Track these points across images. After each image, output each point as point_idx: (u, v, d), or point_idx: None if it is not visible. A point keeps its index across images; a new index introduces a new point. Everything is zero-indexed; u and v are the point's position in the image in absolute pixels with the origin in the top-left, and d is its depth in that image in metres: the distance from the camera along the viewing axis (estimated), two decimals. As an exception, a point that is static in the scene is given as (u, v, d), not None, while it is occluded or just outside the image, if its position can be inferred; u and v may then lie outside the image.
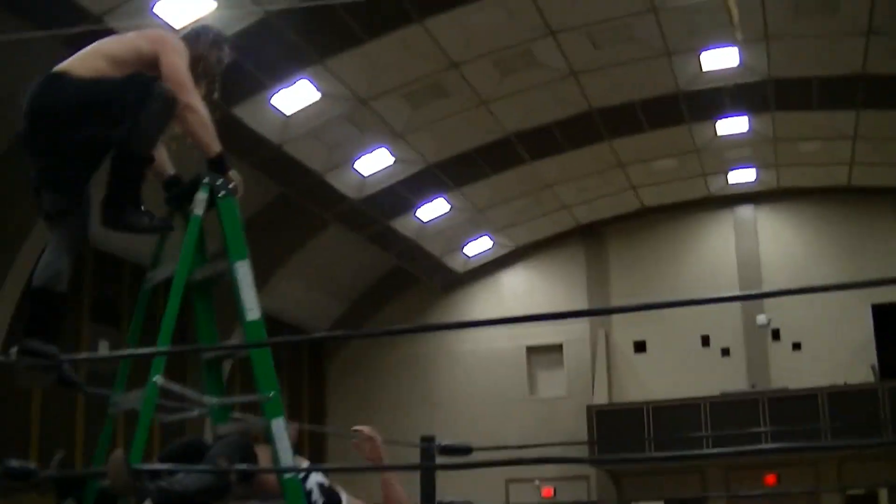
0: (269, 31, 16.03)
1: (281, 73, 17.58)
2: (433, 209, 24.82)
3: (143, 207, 5.10)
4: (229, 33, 15.10)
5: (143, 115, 4.84)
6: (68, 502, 4.86)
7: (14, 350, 4.83)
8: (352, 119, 19.89)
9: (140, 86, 4.89)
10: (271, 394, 5.00)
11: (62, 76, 4.90)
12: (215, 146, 5.10)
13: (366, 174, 21.85)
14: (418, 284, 28.39)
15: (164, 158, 5.43)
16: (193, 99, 5.01)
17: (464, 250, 27.72)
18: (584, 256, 28.33)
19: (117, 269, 20.39)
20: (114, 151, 4.95)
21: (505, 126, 21.81)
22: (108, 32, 6.38)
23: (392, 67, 18.65)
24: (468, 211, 25.51)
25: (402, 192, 23.13)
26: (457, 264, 28.06)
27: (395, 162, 21.81)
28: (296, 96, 18.47)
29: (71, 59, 5.05)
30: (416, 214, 24.67)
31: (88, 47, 5.15)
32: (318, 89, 18.45)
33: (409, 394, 28.17)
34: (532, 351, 28.04)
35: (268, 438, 4.95)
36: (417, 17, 17.23)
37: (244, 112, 17.89)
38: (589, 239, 28.36)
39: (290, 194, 21.26)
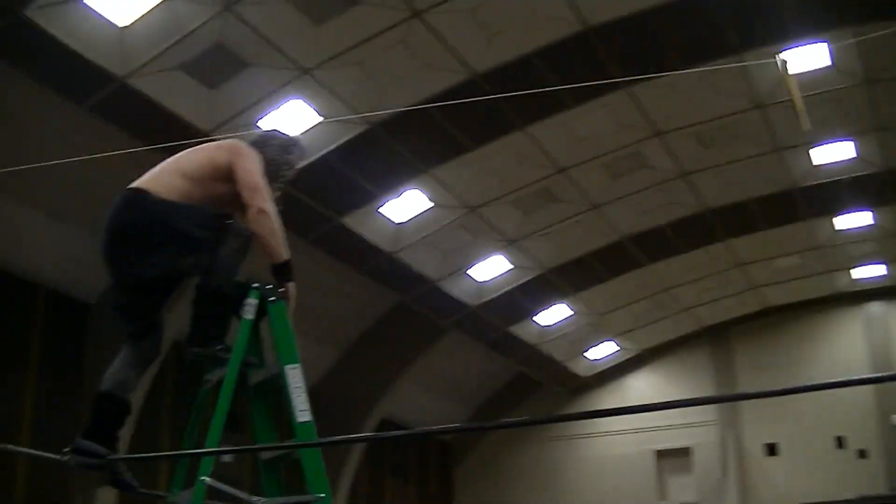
0: (375, 143, 16.47)
1: (389, 183, 17.93)
2: (553, 314, 24.72)
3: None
4: (335, 145, 15.72)
5: (222, 251, 5.06)
6: None
7: (67, 450, 5.12)
8: (464, 226, 20.05)
9: (219, 223, 5.10)
10: (322, 495, 5.10)
11: (143, 196, 5.12)
12: (284, 253, 5.19)
13: (482, 280, 21.94)
14: (543, 390, 28.24)
15: None
16: (266, 204, 5.14)
17: (587, 355, 27.49)
18: (711, 358, 27.84)
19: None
20: (196, 291, 5.17)
21: (618, 229, 21.73)
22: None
23: (499, 174, 18.81)
24: (588, 315, 25.33)
25: (519, 298, 23.10)
26: (581, 369, 27.83)
27: (511, 268, 21.88)
28: (406, 205, 18.75)
29: (150, 175, 5.27)
30: (536, 320, 24.58)
31: (166, 163, 5.37)
32: (428, 198, 18.74)
33: (538, 499, 27.91)
34: (661, 455, 27.53)
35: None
36: (520, 124, 17.42)
37: (355, 222, 18.32)
38: (714, 340, 27.89)
39: (408, 302, 21.50)
